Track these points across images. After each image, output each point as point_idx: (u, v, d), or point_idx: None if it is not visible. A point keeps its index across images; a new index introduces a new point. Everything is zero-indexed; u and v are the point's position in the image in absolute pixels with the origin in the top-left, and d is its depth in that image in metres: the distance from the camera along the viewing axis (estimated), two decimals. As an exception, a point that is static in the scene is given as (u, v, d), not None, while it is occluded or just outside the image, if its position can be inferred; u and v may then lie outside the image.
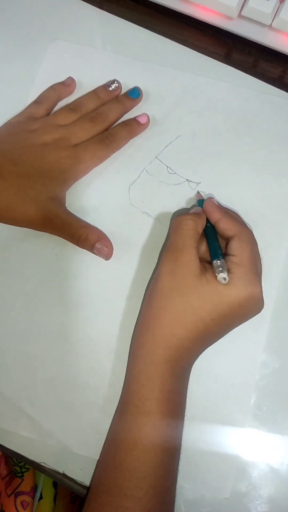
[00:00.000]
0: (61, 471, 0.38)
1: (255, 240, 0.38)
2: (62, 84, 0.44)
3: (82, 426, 0.38)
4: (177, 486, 0.37)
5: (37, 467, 0.38)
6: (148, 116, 0.42)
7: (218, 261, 0.35)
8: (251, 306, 0.35)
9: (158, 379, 0.35)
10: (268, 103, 0.43)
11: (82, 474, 0.38)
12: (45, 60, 0.45)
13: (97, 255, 0.39)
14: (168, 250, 0.37)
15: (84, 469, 0.38)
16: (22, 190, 0.38)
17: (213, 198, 0.39)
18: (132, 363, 0.37)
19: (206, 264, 0.36)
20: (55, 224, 0.39)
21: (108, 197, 0.42)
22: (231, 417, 0.38)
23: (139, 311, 0.39)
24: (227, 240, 0.37)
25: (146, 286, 0.40)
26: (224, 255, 0.36)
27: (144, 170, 0.42)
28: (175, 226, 0.37)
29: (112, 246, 0.39)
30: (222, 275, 0.34)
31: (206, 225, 0.38)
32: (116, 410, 0.38)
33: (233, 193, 0.42)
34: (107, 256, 0.39)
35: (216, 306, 0.34)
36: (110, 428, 0.37)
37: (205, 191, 0.42)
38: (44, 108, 0.43)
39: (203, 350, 0.37)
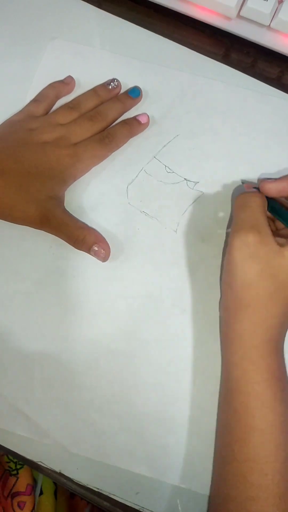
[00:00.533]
0: (58, 470, 0.38)
1: None
2: (61, 82, 0.43)
3: (78, 425, 0.38)
4: (174, 486, 0.37)
5: (34, 466, 0.38)
6: (148, 116, 0.42)
7: None
8: None
9: (263, 361, 0.34)
10: (266, 103, 0.43)
11: (79, 473, 0.38)
12: (44, 59, 0.45)
13: (94, 256, 0.39)
14: (240, 231, 0.34)
15: (80, 468, 0.38)
16: (23, 188, 0.38)
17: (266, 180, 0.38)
18: (230, 351, 0.36)
19: (280, 238, 0.35)
20: (52, 224, 0.39)
21: (106, 197, 0.42)
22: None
23: (222, 301, 0.38)
24: None
25: (144, 285, 0.40)
26: None
27: (142, 169, 0.42)
28: (243, 204, 0.36)
29: (110, 248, 0.39)
30: None
31: (272, 206, 0.37)
32: (220, 402, 0.37)
33: (231, 193, 0.42)
34: (104, 258, 0.39)
35: None
36: (218, 421, 0.37)
37: (203, 190, 0.42)
38: (43, 106, 0.43)
39: None
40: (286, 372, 0.35)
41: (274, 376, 0.34)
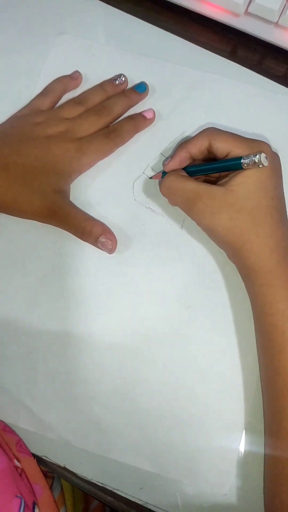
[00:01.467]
0: (62, 464, 0.38)
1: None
2: (69, 76, 0.43)
3: (82, 420, 0.38)
4: (177, 482, 0.37)
5: (38, 461, 0.38)
6: (154, 111, 0.42)
7: (244, 160, 0.35)
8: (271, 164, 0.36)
9: (281, 279, 0.35)
10: (273, 100, 0.43)
11: (83, 468, 0.38)
12: (51, 54, 0.45)
13: (100, 248, 0.39)
14: (191, 209, 0.36)
15: (85, 463, 0.38)
16: (27, 182, 0.38)
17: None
18: (250, 284, 0.37)
19: (220, 182, 0.37)
20: (59, 216, 0.39)
21: (112, 192, 0.42)
22: (232, 414, 0.38)
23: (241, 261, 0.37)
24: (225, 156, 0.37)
25: (149, 281, 0.40)
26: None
27: (148, 166, 0.42)
28: (168, 194, 0.38)
29: (116, 240, 0.39)
30: (258, 158, 0.34)
31: (187, 170, 0.39)
32: (256, 338, 0.37)
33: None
34: (111, 250, 0.39)
35: (261, 194, 0.35)
36: (260, 361, 0.38)
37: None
38: (50, 100, 0.43)
39: None
40: None
41: None
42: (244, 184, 0.35)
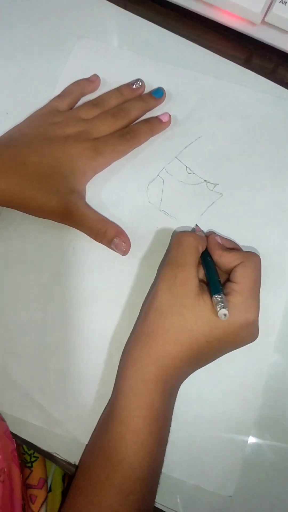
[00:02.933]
0: (72, 462, 0.38)
1: (260, 265, 0.37)
2: (87, 80, 0.44)
3: (91, 417, 0.39)
4: (183, 482, 0.38)
5: (49, 457, 0.38)
6: (169, 115, 0.43)
7: (218, 296, 0.34)
8: (245, 334, 0.35)
9: (148, 397, 0.34)
10: (286, 108, 0.44)
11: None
12: (71, 57, 0.46)
13: (114, 250, 0.39)
14: (167, 265, 0.37)
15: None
16: (45, 180, 0.39)
17: (214, 233, 0.40)
18: (122, 378, 0.36)
19: (204, 285, 0.36)
20: (74, 217, 0.39)
21: (126, 194, 0.43)
22: (238, 415, 0.39)
23: (134, 325, 0.39)
24: (230, 271, 0.36)
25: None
26: (227, 280, 0.36)
27: (163, 169, 0.43)
28: (177, 242, 0.37)
29: (130, 242, 0.39)
30: (223, 311, 0.33)
31: (206, 258, 0.38)
32: (100, 421, 0.38)
33: (249, 196, 0.42)
34: (125, 252, 0.39)
35: (212, 329, 0.34)
36: (94, 439, 0.37)
37: (223, 193, 0.42)
38: (67, 102, 0.43)
39: (194, 371, 0.37)
40: (168, 414, 0.36)
41: (153, 416, 0.34)
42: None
